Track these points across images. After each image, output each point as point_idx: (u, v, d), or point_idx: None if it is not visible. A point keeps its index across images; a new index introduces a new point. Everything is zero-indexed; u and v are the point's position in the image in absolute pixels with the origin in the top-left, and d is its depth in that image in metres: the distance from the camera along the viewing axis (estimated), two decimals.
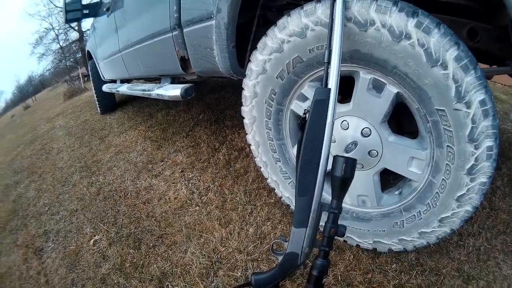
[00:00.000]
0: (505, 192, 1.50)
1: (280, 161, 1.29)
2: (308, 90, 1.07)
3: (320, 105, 0.78)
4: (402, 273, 1.14)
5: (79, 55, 22.67)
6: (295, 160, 1.24)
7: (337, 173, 0.77)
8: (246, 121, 1.29)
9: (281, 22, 1.00)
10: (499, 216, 1.35)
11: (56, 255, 1.70)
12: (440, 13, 1.08)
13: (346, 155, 1.00)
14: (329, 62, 0.81)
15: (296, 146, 1.19)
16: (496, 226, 1.31)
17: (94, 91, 4.15)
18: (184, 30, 1.42)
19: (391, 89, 0.92)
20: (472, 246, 1.22)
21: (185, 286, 1.22)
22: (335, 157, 0.78)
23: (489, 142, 0.79)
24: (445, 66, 0.77)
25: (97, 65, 3.71)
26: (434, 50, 0.77)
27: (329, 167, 0.83)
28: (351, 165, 0.77)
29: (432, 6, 1.01)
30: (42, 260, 1.72)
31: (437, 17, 0.80)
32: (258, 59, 1.09)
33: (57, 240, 1.83)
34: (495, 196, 1.47)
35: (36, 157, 3.56)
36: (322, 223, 0.84)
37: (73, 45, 23.36)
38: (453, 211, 0.93)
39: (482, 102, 0.76)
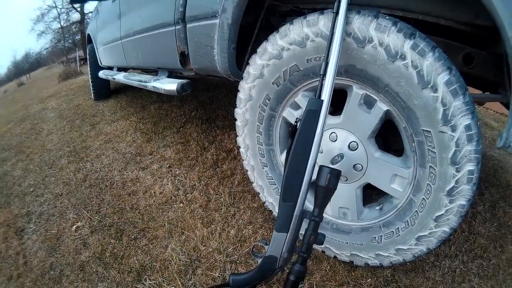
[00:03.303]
0: (485, 217, 1.53)
1: (267, 166, 1.30)
2: (302, 99, 1.09)
3: (311, 115, 0.80)
4: None
5: (78, 37, 22.35)
6: (281, 166, 1.25)
7: (321, 182, 0.79)
8: (238, 123, 1.30)
9: (283, 29, 1.01)
10: (477, 240, 1.38)
11: (37, 237, 1.68)
12: (438, 36, 1.10)
13: (331, 166, 1.02)
14: (324, 74, 0.83)
15: (284, 153, 1.21)
16: (473, 249, 1.33)
17: (89, 76, 4.10)
18: (187, 26, 1.42)
19: (382, 106, 0.94)
20: (448, 268, 1.24)
21: (163, 281, 1.22)
22: (320, 167, 0.80)
23: (470, 166, 0.81)
24: (435, 89, 0.79)
25: (96, 49, 3.67)
26: (426, 73, 0.79)
27: (314, 176, 0.84)
28: (335, 176, 0.79)
29: (431, 28, 1.04)
30: (23, 241, 1.70)
31: (434, 39, 0.82)
32: (257, 63, 1.10)
33: (39, 222, 1.81)
34: (475, 220, 1.50)
35: (26, 136, 3.50)
36: (302, 230, 0.86)
37: (73, 27, 23.03)
38: (431, 231, 0.95)
39: (467, 127, 0.78)
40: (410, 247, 1.02)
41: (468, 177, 0.82)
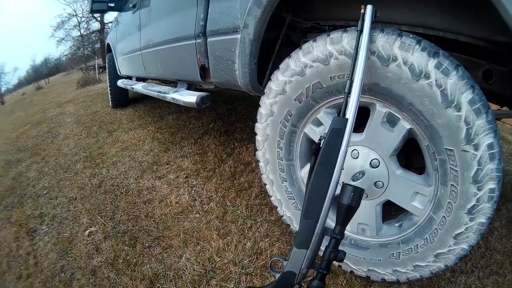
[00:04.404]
0: (502, 233, 1.51)
1: (286, 181, 1.30)
2: (324, 116, 1.09)
3: (336, 134, 0.81)
4: None
5: (97, 45, 22.90)
6: (301, 181, 1.25)
7: (344, 200, 0.79)
8: (258, 137, 1.30)
9: (306, 46, 1.02)
10: (494, 256, 1.36)
11: (49, 239, 1.69)
12: (458, 52, 1.10)
13: (353, 183, 1.01)
14: (349, 93, 0.83)
15: (304, 168, 1.21)
16: (489, 266, 1.31)
17: (108, 83, 4.16)
18: (208, 40, 1.44)
19: (405, 125, 0.93)
20: (464, 284, 1.23)
21: None
22: (344, 185, 0.80)
23: (492, 185, 0.80)
24: (458, 108, 0.79)
25: (115, 59, 3.73)
26: (450, 92, 0.79)
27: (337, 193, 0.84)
28: (358, 194, 0.79)
29: (451, 44, 1.04)
30: (34, 242, 1.72)
31: (454, 56, 0.83)
32: (279, 79, 1.11)
33: (51, 224, 1.83)
34: (492, 236, 1.48)
35: (42, 139, 3.55)
36: (322, 247, 0.85)
37: (93, 35, 23.63)
38: (450, 248, 0.94)
39: (490, 146, 0.77)
40: (428, 264, 1.00)
41: (489, 195, 0.81)
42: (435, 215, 0.95)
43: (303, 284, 0.88)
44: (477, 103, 0.77)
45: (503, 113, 1.43)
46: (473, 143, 0.79)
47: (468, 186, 0.83)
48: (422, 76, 0.82)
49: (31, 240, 1.74)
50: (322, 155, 0.81)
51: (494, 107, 1.39)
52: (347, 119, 0.81)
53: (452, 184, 0.88)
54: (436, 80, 0.80)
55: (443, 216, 0.93)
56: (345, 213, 0.80)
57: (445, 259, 0.97)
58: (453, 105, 0.79)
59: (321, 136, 0.85)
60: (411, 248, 1.03)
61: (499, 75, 1.12)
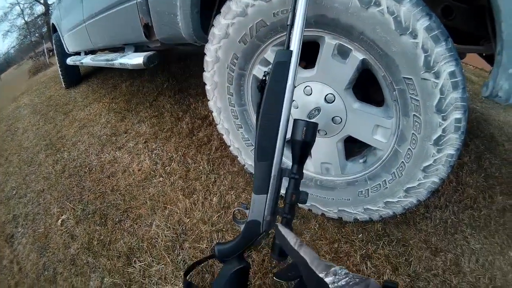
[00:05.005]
0: (472, 168, 1.55)
1: (242, 128, 1.28)
2: (271, 55, 1.04)
3: (280, 67, 0.75)
4: (369, 243, 1.15)
5: (44, 29, 21.66)
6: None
7: (298, 137, 0.74)
8: (207, 87, 1.26)
9: None
10: (466, 191, 1.39)
11: (27, 240, 1.63)
12: None
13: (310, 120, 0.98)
14: (292, 25, 0.77)
15: None
16: (463, 200, 1.34)
17: (58, 65, 4.02)
18: None
19: (357, 55, 0.90)
20: (439, 219, 1.25)
21: (152, 260, 1.20)
22: (295, 121, 0.76)
23: (457, 114, 0.79)
24: (414, 35, 0.76)
25: (61, 37, 3.60)
26: (404, 19, 0.75)
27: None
28: (312, 128, 0.75)
29: None
30: (14, 247, 1.65)
31: None
32: (221, 23, 1.05)
33: (26, 224, 1.76)
34: (462, 171, 1.52)
35: (2, 139, 3.38)
36: (283, 190, 0.83)
37: (38, 19, 22.30)
38: (420, 182, 0.94)
39: (452, 74, 0.75)
40: (399, 199, 1.01)
41: (456, 125, 0.80)
42: (400, 148, 0.95)
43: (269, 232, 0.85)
44: (435, 30, 0.74)
45: (468, 48, 1.42)
46: (433, 71, 0.77)
47: (432, 116, 0.82)
48: (372, 3, 0.78)
49: (11, 246, 1.68)
50: (268, 91, 0.75)
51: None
52: (292, 50, 0.75)
53: (414, 115, 0.86)
54: (387, 7, 0.76)
55: (409, 148, 0.92)
56: (301, 150, 0.76)
57: (416, 193, 0.97)
58: (408, 32, 0.76)
59: (265, 72, 0.79)
60: (379, 184, 1.04)
61: (460, 12, 1.09)
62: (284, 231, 0.70)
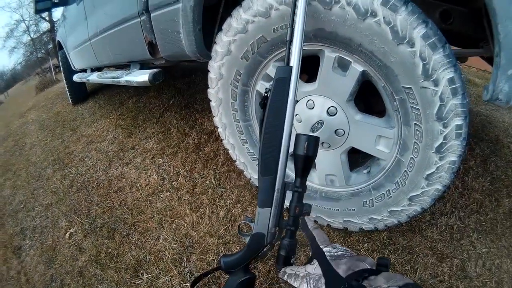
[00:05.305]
0: (478, 172, 1.53)
1: (247, 143, 1.29)
2: (273, 70, 1.05)
3: (281, 83, 0.76)
4: (375, 252, 1.15)
5: (50, 46, 22.01)
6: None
7: (299, 151, 0.75)
8: (212, 103, 1.28)
9: (245, 2, 0.97)
10: (472, 195, 1.38)
11: (34, 252, 1.66)
12: None
13: (311, 134, 1.00)
14: (291, 41, 0.79)
15: None
16: (469, 205, 1.33)
17: (65, 81, 4.05)
18: (152, 15, 1.40)
19: (357, 67, 0.91)
20: (445, 225, 1.24)
21: (159, 272, 1.21)
22: (297, 136, 0.77)
23: (458, 121, 0.78)
24: (412, 44, 0.76)
25: (67, 54, 3.63)
26: (400, 28, 0.76)
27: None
28: (313, 143, 0.76)
29: None
30: (21, 259, 1.68)
31: None
32: (223, 40, 1.07)
33: (34, 236, 1.79)
34: (468, 176, 1.50)
35: (10, 154, 3.44)
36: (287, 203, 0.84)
37: (44, 36, 22.63)
38: (423, 190, 0.93)
39: (451, 81, 0.75)
40: (404, 208, 1.01)
41: (457, 132, 0.80)
42: (403, 157, 0.95)
43: (274, 244, 0.87)
44: (432, 37, 0.74)
45: (468, 52, 1.43)
46: (432, 79, 0.77)
47: (433, 124, 0.82)
48: (368, 14, 0.78)
49: (18, 258, 1.70)
50: (270, 107, 0.77)
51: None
52: (292, 66, 0.77)
53: (415, 124, 0.87)
54: (384, 17, 0.77)
55: (411, 157, 0.92)
56: (303, 164, 0.77)
57: (420, 201, 0.97)
58: (405, 41, 0.76)
59: (266, 89, 0.81)
60: (383, 193, 1.03)
61: (458, 15, 1.10)
62: (306, 218, 0.78)
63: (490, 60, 1.62)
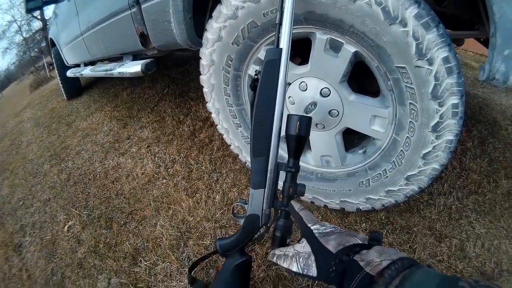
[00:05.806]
0: (475, 153, 1.54)
1: (241, 127, 1.30)
2: (264, 54, 1.06)
3: (271, 65, 0.77)
4: None
5: (43, 44, 21.84)
6: None
7: (291, 131, 0.76)
8: (205, 89, 1.28)
9: None
10: (470, 176, 1.38)
11: (35, 248, 1.67)
12: None
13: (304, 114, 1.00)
14: (280, 24, 0.79)
15: None
16: (467, 186, 1.34)
17: (59, 77, 4.06)
18: (142, 6, 1.40)
19: (349, 48, 0.91)
20: (443, 205, 1.25)
21: (157, 259, 1.22)
22: (288, 116, 0.77)
23: (454, 100, 0.79)
24: (404, 24, 0.76)
25: (60, 51, 3.64)
26: (392, 8, 0.75)
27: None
28: (305, 122, 0.76)
29: None
30: (22, 256, 1.69)
31: None
32: (214, 27, 1.07)
33: (33, 232, 1.80)
34: (465, 157, 1.51)
35: (7, 154, 3.43)
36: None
37: (36, 35, 22.48)
38: (420, 169, 0.94)
39: (445, 60, 0.75)
40: (401, 187, 1.01)
41: (453, 111, 0.80)
42: (398, 137, 0.95)
43: (270, 225, 0.87)
44: (425, 17, 0.74)
45: (463, 34, 1.43)
46: (426, 58, 0.77)
47: (428, 103, 0.82)
48: None
49: (19, 255, 1.71)
50: (260, 89, 0.77)
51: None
52: (281, 48, 0.77)
53: (410, 103, 0.87)
54: None
55: (407, 136, 0.92)
56: (295, 144, 0.77)
57: (417, 181, 0.97)
58: (397, 21, 0.76)
59: (256, 71, 0.81)
60: (380, 173, 1.04)
61: None
62: (293, 203, 0.77)
63: (486, 43, 1.62)
